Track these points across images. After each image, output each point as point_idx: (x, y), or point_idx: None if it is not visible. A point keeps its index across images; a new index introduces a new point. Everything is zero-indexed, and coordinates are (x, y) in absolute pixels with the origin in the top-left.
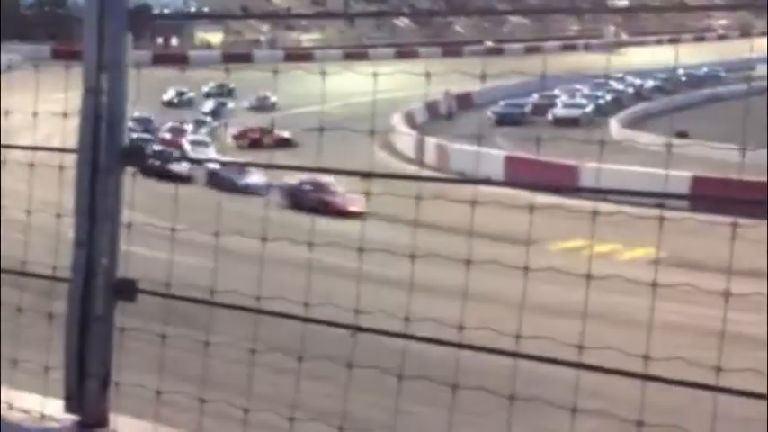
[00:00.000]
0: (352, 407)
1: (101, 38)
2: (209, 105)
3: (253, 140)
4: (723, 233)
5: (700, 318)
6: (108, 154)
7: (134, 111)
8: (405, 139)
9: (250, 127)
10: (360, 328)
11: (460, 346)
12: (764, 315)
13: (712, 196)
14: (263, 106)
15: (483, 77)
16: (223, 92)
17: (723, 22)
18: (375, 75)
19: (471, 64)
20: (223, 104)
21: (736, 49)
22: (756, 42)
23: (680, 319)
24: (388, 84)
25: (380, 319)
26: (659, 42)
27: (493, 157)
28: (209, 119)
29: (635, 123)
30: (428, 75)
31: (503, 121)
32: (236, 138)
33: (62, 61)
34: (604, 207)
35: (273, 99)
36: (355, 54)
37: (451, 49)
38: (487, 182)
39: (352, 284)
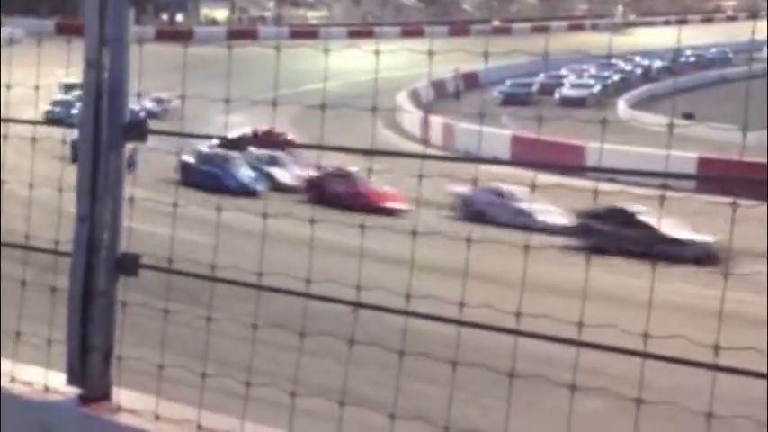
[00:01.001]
0: (353, 383)
1: (102, 12)
2: None
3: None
4: (726, 213)
5: (701, 298)
6: (110, 129)
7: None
8: (411, 117)
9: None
10: (361, 305)
11: (461, 323)
12: (765, 295)
13: (716, 177)
14: (153, 113)
15: (486, 57)
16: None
17: (732, 3)
18: (377, 52)
19: (478, 43)
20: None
21: (745, 31)
22: (763, 24)
23: (680, 298)
24: (393, 62)
25: (382, 297)
26: (668, 23)
27: (499, 137)
28: None
29: (642, 104)
30: (431, 53)
31: (509, 100)
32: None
33: (66, 36)
34: (609, 187)
35: (175, 102)
36: (361, 32)
37: (458, 28)
38: (493, 161)
39: (353, 262)
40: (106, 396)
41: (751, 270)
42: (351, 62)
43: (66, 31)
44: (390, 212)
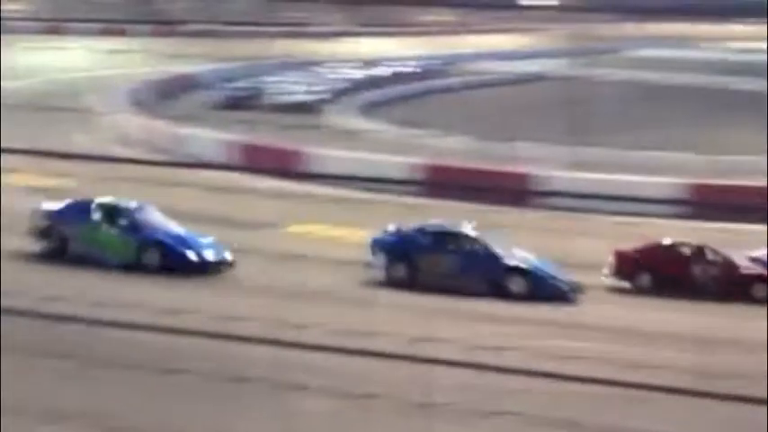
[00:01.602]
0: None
1: None
2: None
3: None
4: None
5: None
6: None
7: None
8: (129, 120)
9: None
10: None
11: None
12: None
13: (429, 181)
14: None
15: (189, 59)
16: None
17: (448, 18)
18: (64, 49)
19: (184, 45)
20: None
21: (461, 45)
22: (475, 39)
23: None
24: (96, 60)
25: (120, 312)
26: (388, 34)
27: (219, 142)
28: None
29: (364, 111)
30: (111, 52)
31: (227, 104)
32: None
33: None
34: (327, 192)
35: None
36: (58, 28)
37: (162, 29)
38: (214, 166)
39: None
40: None
41: None
42: (49, 59)
43: None
44: None
